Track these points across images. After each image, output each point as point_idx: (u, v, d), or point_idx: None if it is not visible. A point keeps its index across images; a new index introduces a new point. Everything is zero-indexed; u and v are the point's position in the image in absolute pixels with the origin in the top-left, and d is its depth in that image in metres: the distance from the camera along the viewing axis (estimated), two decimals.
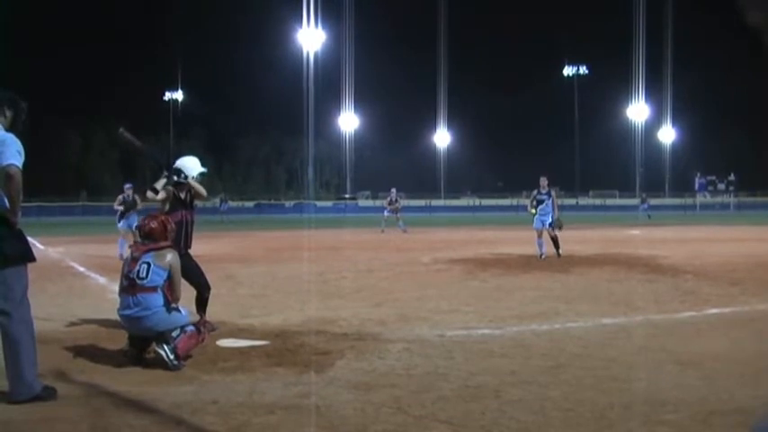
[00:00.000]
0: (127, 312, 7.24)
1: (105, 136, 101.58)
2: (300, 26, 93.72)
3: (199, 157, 9.58)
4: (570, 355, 7.44)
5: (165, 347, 7.02)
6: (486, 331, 8.88)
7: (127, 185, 20.66)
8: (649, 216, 52.40)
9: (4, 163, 5.75)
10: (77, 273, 16.44)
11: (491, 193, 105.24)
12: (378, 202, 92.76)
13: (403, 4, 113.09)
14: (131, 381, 6.56)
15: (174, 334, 7.16)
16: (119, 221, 20.36)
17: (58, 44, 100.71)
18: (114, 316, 7.61)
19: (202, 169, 9.32)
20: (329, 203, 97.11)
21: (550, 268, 16.13)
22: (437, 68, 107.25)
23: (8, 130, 6.02)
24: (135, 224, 17.19)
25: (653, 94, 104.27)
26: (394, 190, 37.19)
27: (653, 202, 64.76)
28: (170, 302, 7.36)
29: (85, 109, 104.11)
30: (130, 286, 7.30)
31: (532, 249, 18.97)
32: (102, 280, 14.81)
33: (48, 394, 5.90)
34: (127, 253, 9.63)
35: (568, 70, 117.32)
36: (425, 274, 15.54)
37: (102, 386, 6.36)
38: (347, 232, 35.53)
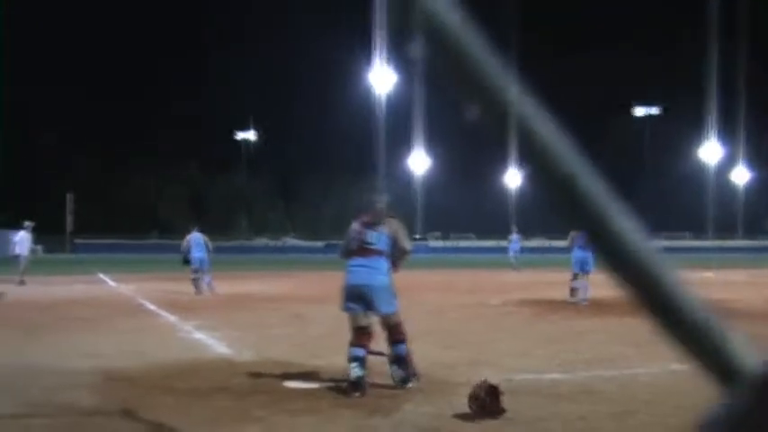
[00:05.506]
0: (358, 264, 8.32)
1: (177, 176, 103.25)
2: (371, 67, 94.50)
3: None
4: (639, 402, 7.34)
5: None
6: (555, 376, 8.81)
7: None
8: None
9: None
10: (148, 310, 16.64)
11: (561, 235, 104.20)
12: (448, 243, 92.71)
13: None
14: (198, 420, 6.63)
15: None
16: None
17: (133, 86, 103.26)
18: (185, 355, 7.72)
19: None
20: None
21: (620, 312, 15.88)
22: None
23: None
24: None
25: (726, 134, 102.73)
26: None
27: (726, 244, 63.53)
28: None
29: (159, 149, 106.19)
30: (361, 249, 8.42)
31: (603, 292, 18.69)
32: (172, 318, 14.83)
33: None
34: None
35: (639, 111, 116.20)
36: (495, 316, 15.46)
37: (168, 425, 6.45)
38: (417, 273, 35.45)
